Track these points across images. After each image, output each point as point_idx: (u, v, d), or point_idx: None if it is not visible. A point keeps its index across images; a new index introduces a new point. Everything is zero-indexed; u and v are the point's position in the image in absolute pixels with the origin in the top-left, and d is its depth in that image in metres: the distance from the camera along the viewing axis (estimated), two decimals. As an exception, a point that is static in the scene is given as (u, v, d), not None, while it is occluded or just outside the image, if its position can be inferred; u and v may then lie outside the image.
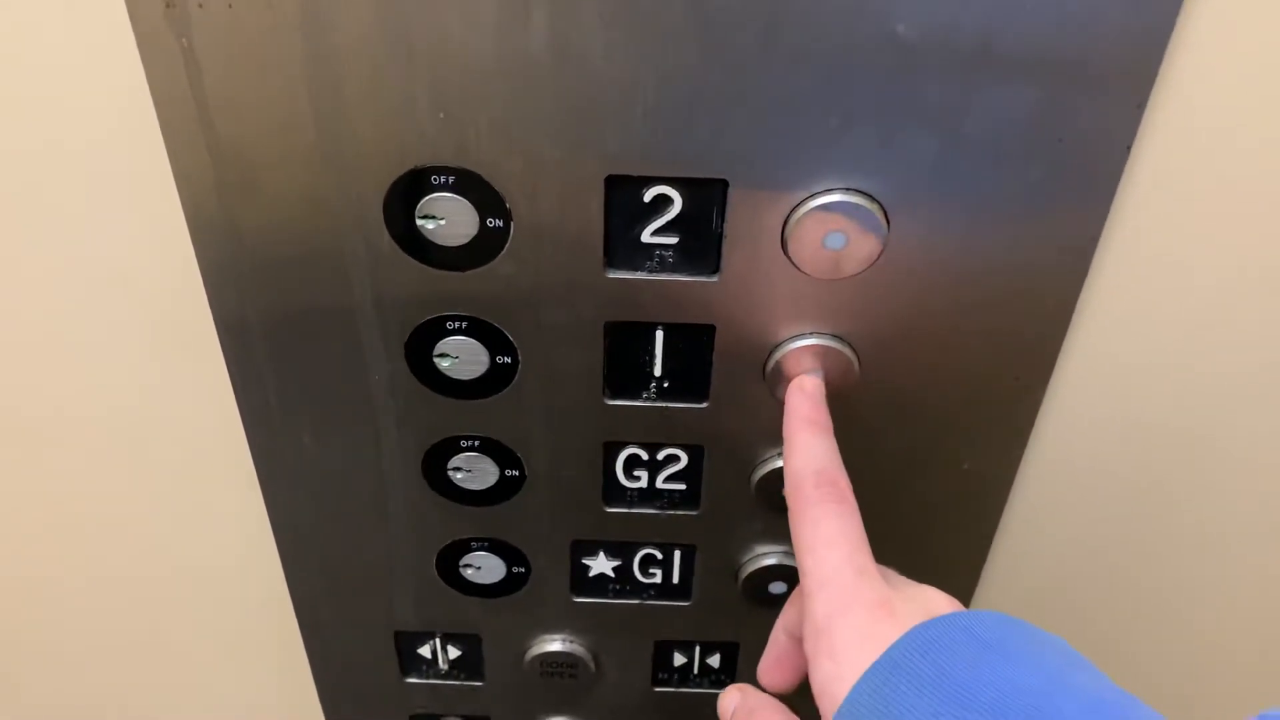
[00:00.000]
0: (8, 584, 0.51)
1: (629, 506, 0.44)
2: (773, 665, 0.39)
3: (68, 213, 0.37)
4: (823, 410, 0.37)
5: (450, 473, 0.42)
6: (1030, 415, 0.41)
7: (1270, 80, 0.32)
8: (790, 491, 0.35)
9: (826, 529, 0.33)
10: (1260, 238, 0.36)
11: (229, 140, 0.33)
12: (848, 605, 0.31)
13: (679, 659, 0.51)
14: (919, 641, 0.29)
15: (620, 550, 0.46)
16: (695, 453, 0.42)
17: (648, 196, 0.35)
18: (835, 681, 0.30)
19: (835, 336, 0.38)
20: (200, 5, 0.31)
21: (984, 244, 0.35)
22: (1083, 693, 0.27)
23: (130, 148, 0.35)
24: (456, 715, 0.54)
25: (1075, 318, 0.38)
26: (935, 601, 0.32)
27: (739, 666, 0.51)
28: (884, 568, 0.34)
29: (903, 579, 0.34)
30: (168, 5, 0.31)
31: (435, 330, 0.38)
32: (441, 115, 0.33)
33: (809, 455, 0.35)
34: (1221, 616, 0.49)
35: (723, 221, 0.35)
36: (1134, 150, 0.33)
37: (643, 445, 0.42)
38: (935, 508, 0.43)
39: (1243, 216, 0.36)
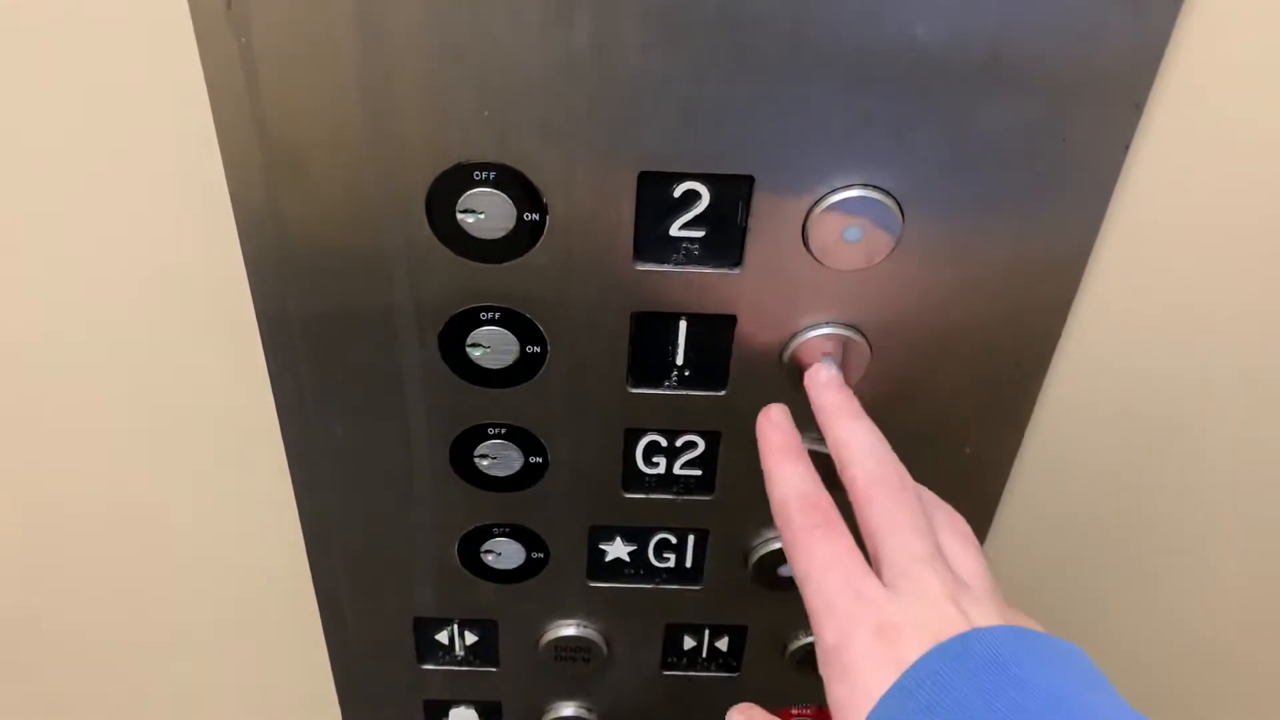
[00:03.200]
0: (36, 570, 0.52)
1: (646, 492, 0.46)
2: None
3: (115, 201, 0.38)
4: (793, 435, 0.38)
5: (476, 460, 0.44)
6: (1030, 402, 0.43)
7: (1263, 83, 0.35)
8: (779, 523, 0.36)
9: (820, 555, 0.34)
10: (1251, 234, 0.39)
11: (280, 134, 0.35)
12: (853, 629, 0.32)
13: (688, 642, 0.53)
14: (931, 667, 0.30)
15: (636, 535, 0.48)
16: (712, 439, 0.44)
17: (678, 192, 0.37)
18: (849, 708, 0.31)
19: (849, 326, 0.40)
20: (260, 6, 0.32)
21: (990, 237, 0.38)
22: (1095, 715, 0.28)
23: (181, 140, 0.36)
24: (469, 701, 0.55)
25: (1073, 309, 0.40)
26: (943, 614, 0.31)
27: (746, 650, 0.53)
28: (919, 485, 0.36)
29: (913, 556, 0.33)
30: (229, 5, 0.32)
31: (469, 321, 0.40)
32: (486, 113, 0.34)
33: (789, 483, 0.36)
34: (1209, 595, 0.52)
35: (747, 215, 0.37)
36: (1131, 149, 0.36)
37: (662, 432, 0.44)
38: (938, 489, 0.45)
39: (1234, 214, 0.38)
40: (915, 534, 0.34)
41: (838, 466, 0.37)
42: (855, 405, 0.38)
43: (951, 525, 0.36)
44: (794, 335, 0.40)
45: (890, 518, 0.34)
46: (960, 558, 0.35)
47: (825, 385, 0.39)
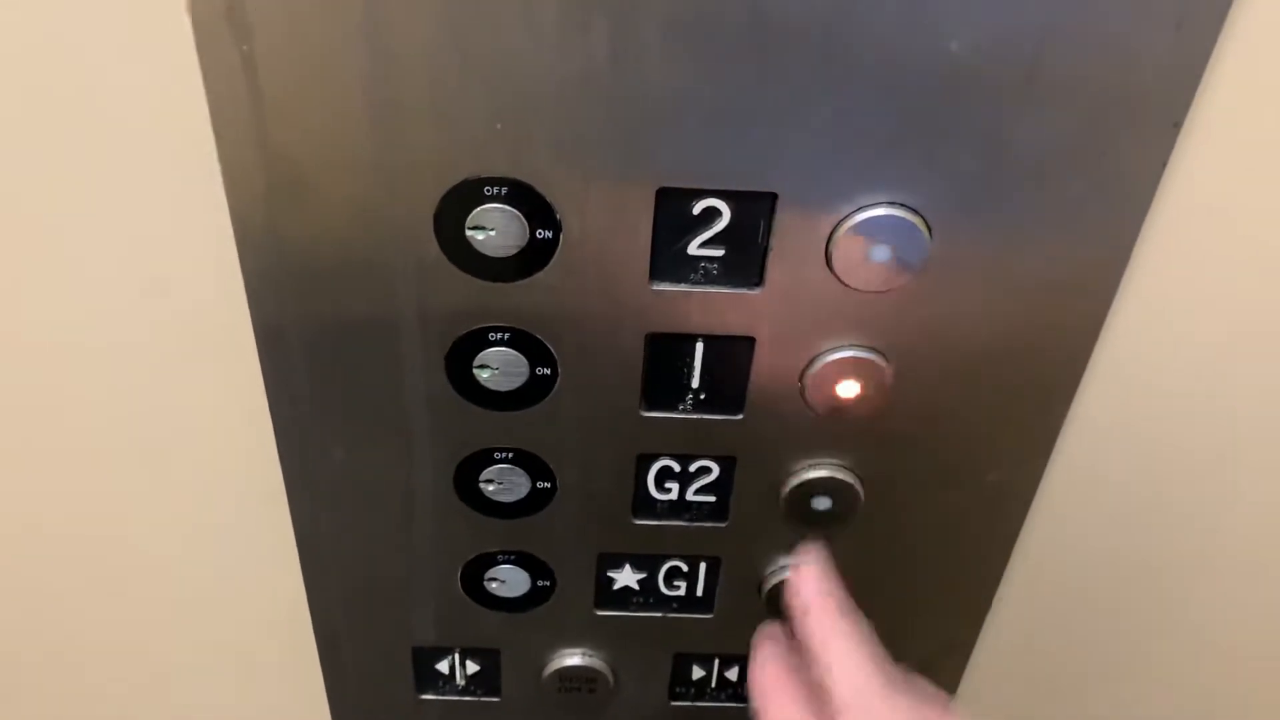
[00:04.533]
0: (27, 589, 0.50)
1: (658, 519, 0.44)
2: None
3: (110, 212, 0.37)
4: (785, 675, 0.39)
5: (482, 485, 0.42)
6: (1055, 429, 0.42)
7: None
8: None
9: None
10: (1285, 256, 0.37)
11: (282, 146, 0.33)
12: None
13: (698, 672, 0.51)
14: None
15: (646, 563, 0.46)
16: (727, 464, 0.43)
17: (697, 209, 0.35)
18: None
19: (872, 349, 0.38)
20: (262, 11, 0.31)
21: (1021, 258, 0.36)
22: None
23: (179, 152, 0.34)
24: (470, 732, 0.54)
25: (1103, 333, 0.39)
26: None
27: (757, 680, 0.51)
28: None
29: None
30: (229, 10, 0.31)
31: (477, 341, 0.38)
32: (498, 126, 0.33)
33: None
34: (1236, 628, 0.51)
35: (769, 234, 0.36)
36: (1168, 168, 0.34)
37: (676, 457, 0.42)
38: (959, 516, 0.44)
39: (1275, 237, 0.37)
40: None
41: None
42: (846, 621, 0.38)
43: None
44: (815, 358, 0.39)
45: None
46: None
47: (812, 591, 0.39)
